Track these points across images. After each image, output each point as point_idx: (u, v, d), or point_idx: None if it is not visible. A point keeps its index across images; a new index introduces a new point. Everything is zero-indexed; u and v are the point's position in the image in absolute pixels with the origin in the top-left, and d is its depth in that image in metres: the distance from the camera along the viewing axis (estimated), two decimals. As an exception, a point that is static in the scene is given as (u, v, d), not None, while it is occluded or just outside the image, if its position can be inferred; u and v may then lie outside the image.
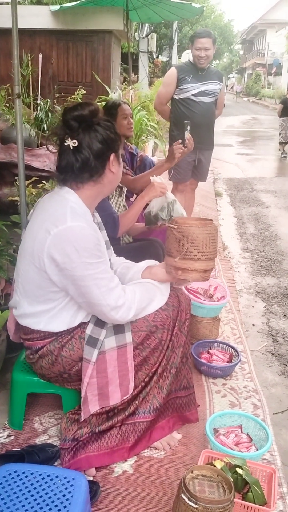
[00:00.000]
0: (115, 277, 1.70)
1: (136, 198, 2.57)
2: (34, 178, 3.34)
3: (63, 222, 1.56)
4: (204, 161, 4.18)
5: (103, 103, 6.18)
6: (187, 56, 18.51)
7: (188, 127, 3.08)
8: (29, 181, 3.20)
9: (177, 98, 3.93)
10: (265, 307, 3.49)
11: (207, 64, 3.86)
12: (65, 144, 1.60)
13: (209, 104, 3.94)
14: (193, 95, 3.85)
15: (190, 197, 4.40)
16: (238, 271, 4.17)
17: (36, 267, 1.62)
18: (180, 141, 2.92)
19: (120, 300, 1.66)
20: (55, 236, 1.55)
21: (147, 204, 2.44)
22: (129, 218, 2.38)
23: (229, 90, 47.62)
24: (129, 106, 3.17)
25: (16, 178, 3.13)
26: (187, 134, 3.03)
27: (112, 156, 1.68)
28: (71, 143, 1.59)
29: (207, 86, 3.87)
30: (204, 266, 1.77)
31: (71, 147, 1.59)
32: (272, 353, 2.85)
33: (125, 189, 2.73)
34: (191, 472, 1.55)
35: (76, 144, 1.59)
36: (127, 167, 3.14)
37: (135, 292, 1.75)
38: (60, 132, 1.62)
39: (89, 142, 1.61)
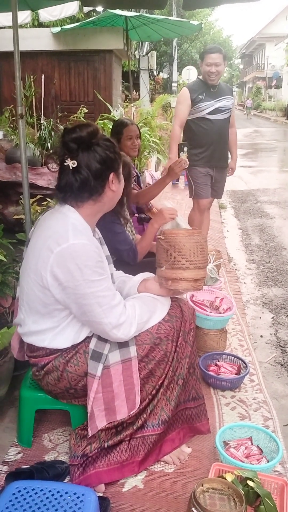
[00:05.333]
0: (117, 294, 1.71)
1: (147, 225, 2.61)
2: (38, 196, 3.38)
3: (65, 240, 1.57)
4: (220, 179, 4.11)
5: (105, 120, 6.31)
6: (187, 72, 18.75)
7: (185, 148, 3.08)
8: (34, 199, 3.24)
9: (191, 118, 3.81)
10: (272, 317, 3.48)
11: (218, 80, 3.75)
12: (65, 164, 1.63)
13: (223, 121, 3.84)
14: (207, 113, 3.75)
15: (205, 216, 4.30)
16: (245, 283, 4.17)
17: (40, 285, 1.63)
18: (180, 159, 2.94)
19: (122, 318, 1.66)
20: (57, 254, 1.57)
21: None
22: (144, 247, 2.43)
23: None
24: (137, 127, 3.18)
25: (21, 196, 3.18)
26: (183, 155, 3.04)
27: (111, 175, 1.69)
28: (70, 163, 1.61)
29: (220, 102, 3.77)
30: (193, 275, 1.78)
31: (71, 167, 1.62)
32: (281, 364, 2.83)
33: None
34: (202, 486, 1.54)
35: (76, 164, 1.61)
36: (134, 183, 3.17)
37: (135, 307, 1.75)
38: (60, 152, 1.65)
39: (87, 163, 1.62)
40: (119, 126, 3.15)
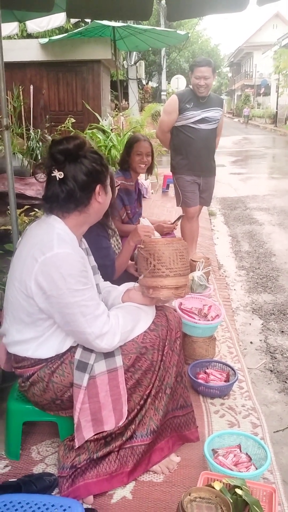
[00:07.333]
0: (101, 304, 1.72)
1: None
2: (26, 207, 3.38)
3: (50, 249, 1.59)
4: (207, 187, 4.16)
5: (94, 130, 6.34)
6: (176, 81, 18.88)
7: (181, 219, 3.38)
8: (22, 209, 3.25)
9: (177, 125, 3.89)
10: (262, 324, 3.49)
11: (207, 92, 3.80)
12: (52, 175, 1.65)
13: (209, 131, 3.89)
14: (192, 122, 3.81)
15: (194, 223, 4.32)
16: (234, 289, 4.18)
17: (24, 294, 1.63)
18: (173, 226, 3.21)
19: (105, 327, 1.66)
20: (42, 263, 1.58)
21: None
22: (121, 264, 2.44)
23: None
24: (149, 144, 3.17)
25: (8, 207, 3.17)
26: (178, 222, 3.31)
27: (98, 187, 1.71)
28: (57, 174, 1.64)
29: (208, 113, 3.83)
30: (174, 282, 1.79)
31: (57, 179, 1.64)
32: (271, 370, 2.84)
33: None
34: (189, 495, 1.53)
35: (62, 175, 1.64)
36: (128, 211, 3.15)
37: (118, 316, 1.75)
38: (47, 163, 1.67)
39: (74, 174, 1.65)
40: (132, 140, 3.17)
